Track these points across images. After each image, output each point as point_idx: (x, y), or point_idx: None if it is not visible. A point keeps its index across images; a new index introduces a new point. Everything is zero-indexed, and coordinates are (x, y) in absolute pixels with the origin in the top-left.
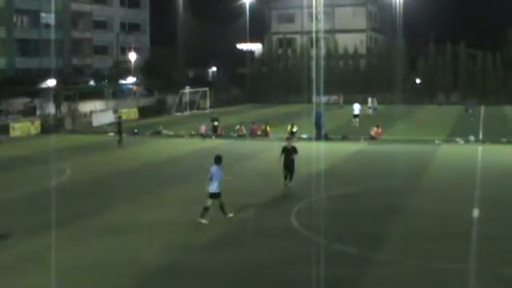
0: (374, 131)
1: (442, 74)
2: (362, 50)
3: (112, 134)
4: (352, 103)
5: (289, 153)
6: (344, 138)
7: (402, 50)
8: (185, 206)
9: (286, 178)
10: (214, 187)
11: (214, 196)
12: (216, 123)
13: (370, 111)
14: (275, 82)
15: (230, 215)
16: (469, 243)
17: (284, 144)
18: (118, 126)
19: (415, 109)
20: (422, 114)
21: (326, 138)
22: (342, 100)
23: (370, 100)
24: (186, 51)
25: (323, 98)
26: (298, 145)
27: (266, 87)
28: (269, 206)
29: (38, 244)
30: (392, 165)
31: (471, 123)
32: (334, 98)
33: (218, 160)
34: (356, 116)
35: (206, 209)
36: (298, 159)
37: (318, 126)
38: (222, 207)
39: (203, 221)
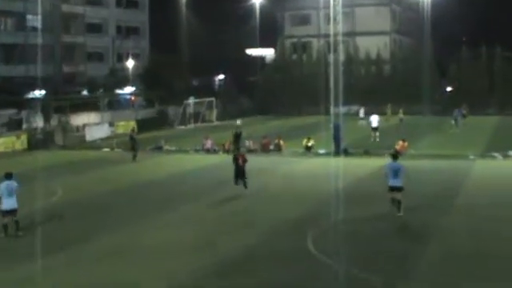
0: (399, 145)
1: (476, 81)
2: (386, 55)
3: (107, 149)
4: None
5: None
6: (366, 153)
7: (431, 54)
8: (190, 228)
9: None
10: (8, 204)
11: (8, 213)
12: (237, 139)
13: (372, 121)
14: (289, 91)
15: (20, 234)
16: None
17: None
18: (132, 142)
19: (446, 120)
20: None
21: (346, 152)
22: (401, 113)
23: (375, 116)
24: (190, 57)
25: (342, 109)
26: (314, 161)
27: (278, 97)
28: (283, 228)
29: (30, 269)
30: (420, 182)
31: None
32: (355, 108)
33: (8, 176)
34: (375, 129)
35: (5, 226)
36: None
37: (337, 139)
38: (17, 223)
39: (20, 233)
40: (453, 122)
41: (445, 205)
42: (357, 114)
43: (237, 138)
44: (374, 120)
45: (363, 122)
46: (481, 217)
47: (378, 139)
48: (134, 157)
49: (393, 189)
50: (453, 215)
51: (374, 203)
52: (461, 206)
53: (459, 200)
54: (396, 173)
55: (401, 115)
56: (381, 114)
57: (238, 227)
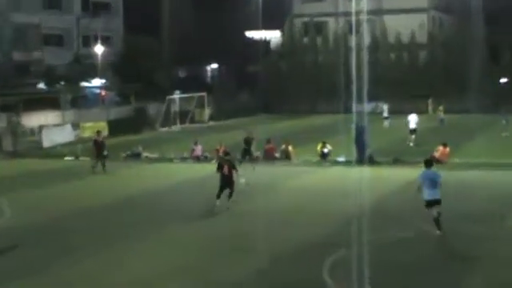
0: (439, 152)
1: None
2: (422, 38)
3: (70, 158)
4: (406, 113)
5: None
6: (396, 162)
7: (480, 37)
8: (174, 257)
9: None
10: None
11: None
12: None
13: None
14: (299, 84)
15: None
16: None
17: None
18: (97, 147)
19: (498, 119)
20: (509, 126)
21: (371, 161)
22: (441, 110)
23: (413, 116)
24: (176, 42)
25: (367, 106)
26: (331, 171)
27: (286, 91)
28: (292, 255)
29: None
30: (464, 198)
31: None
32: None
33: None
34: (413, 131)
35: None
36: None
37: (360, 145)
38: None
39: None
40: (504, 121)
41: (493, 227)
42: (382, 112)
43: (248, 144)
44: (412, 120)
45: (386, 123)
46: None
47: (411, 143)
48: (103, 166)
49: (431, 203)
50: (502, 241)
51: (405, 224)
52: None
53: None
54: (433, 183)
55: (441, 114)
56: (417, 112)
57: (236, 254)
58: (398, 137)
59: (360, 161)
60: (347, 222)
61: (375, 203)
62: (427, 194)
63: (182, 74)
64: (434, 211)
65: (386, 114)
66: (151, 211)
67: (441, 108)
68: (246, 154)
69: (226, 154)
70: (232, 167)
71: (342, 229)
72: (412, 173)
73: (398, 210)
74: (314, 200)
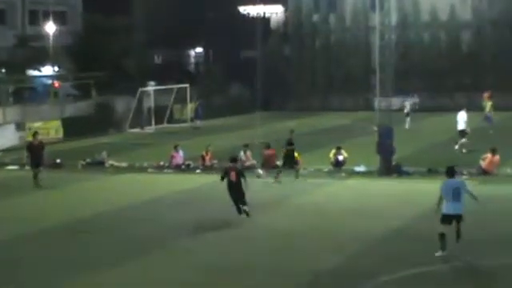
0: (487, 160)
1: None
2: (465, 15)
3: (14, 167)
4: (443, 110)
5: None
6: (431, 173)
7: None
8: None
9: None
10: None
11: None
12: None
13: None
14: (307, 74)
15: None
16: None
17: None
18: (32, 154)
19: None
20: None
21: (399, 171)
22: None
23: (462, 114)
24: (149, 20)
25: (395, 102)
26: (349, 183)
27: (290, 83)
28: None
29: None
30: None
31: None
32: (413, 100)
33: None
34: (463, 133)
35: None
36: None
37: (385, 151)
38: None
39: None
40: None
41: None
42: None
43: (291, 148)
44: (461, 119)
45: (407, 123)
46: None
47: (464, 150)
48: (35, 177)
49: (449, 218)
50: None
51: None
52: None
53: None
54: (457, 194)
55: (488, 110)
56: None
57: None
58: (433, 141)
59: (384, 171)
60: (370, 250)
61: (405, 226)
62: (447, 208)
63: (157, 60)
64: (455, 226)
65: (407, 110)
66: (110, 240)
67: (488, 104)
68: (290, 161)
69: (233, 159)
70: (240, 174)
71: (363, 258)
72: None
73: (433, 235)
74: (326, 221)
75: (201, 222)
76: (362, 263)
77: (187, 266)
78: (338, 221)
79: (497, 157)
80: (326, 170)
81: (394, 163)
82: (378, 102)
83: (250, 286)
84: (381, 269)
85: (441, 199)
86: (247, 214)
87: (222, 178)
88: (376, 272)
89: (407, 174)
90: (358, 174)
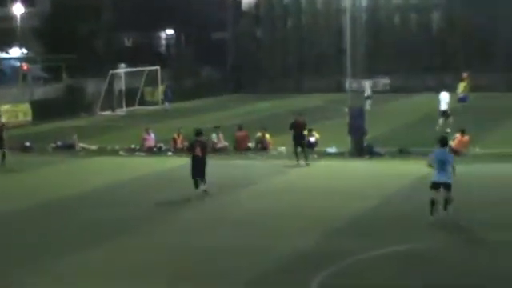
0: (456, 140)
1: None
2: None
3: None
4: (417, 90)
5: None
6: (402, 153)
7: None
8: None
9: None
10: None
11: None
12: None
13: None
14: (279, 56)
15: None
16: None
17: None
18: None
19: None
20: None
21: (370, 152)
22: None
23: (445, 94)
24: (120, 2)
25: (366, 84)
26: (321, 164)
27: (262, 65)
28: (270, 274)
29: None
30: (487, 201)
31: None
32: (384, 81)
33: None
34: (444, 114)
35: None
36: None
37: (356, 132)
38: None
39: None
40: None
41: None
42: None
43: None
44: (444, 100)
45: (368, 105)
46: None
47: (448, 129)
48: (3, 159)
49: (437, 185)
50: None
51: (414, 234)
52: None
53: None
54: (442, 165)
55: (461, 91)
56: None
57: (197, 276)
58: (405, 121)
59: (356, 152)
60: (339, 232)
61: (376, 207)
62: (435, 175)
63: (128, 42)
64: (444, 195)
65: (367, 93)
66: (74, 223)
67: (460, 85)
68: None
69: (199, 133)
70: (205, 149)
71: (332, 240)
72: (423, 167)
73: (404, 216)
74: (296, 203)
75: (171, 203)
76: (339, 242)
77: (151, 250)
78: (312, 201)
79: (466, 137)
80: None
81: (365, 144)
82: (349, 84)
83: (222, 267)
84: (357, 247)
85: (430, 164)
86: (206, 193)
87: (189, 151)
88: (352, 250)
89: (379, 155)
90: (330, 155)
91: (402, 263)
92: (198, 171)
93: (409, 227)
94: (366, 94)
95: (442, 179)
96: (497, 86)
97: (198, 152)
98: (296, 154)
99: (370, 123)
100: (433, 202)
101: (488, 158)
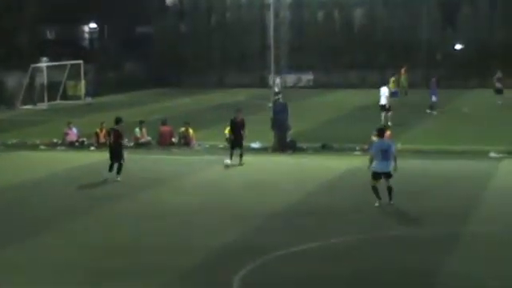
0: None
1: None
2: None
3: None
4: (340, 86)
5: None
6: (325, 149)
7: None
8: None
9: None
10: None
11: None
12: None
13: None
14: (203, 51)
15: None
16: None
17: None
18: None
19: (457, 94)
20: (468, 103)
21: (293, 148)
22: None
23: (384, 89)
24: None
25: (289, 79)
26: (245, 159)
27: (186, 59)
28: (189, 270)
29: None
30: (409, 197)
31: None
32: (307, 77)
33: None
34: (384, 108)
35: None
36: None
37: (279, 127)
38: None
39: None
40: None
41: (449, 235)
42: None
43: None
44: (383, 94)
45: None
46: (505, 256)
47: (390, 123)
48: None
49: (379, 175)
50: (460, 251)
51: (336, 229)
52: (475, 235)
53: (472, 225)
54: (386, 154)
55: (391, 86)
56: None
57: (119, 274)
58: (328, 117)
59: (279, 147)
60: (260, 227)
61: (297, 203)
62: (376, 166)
63: (50, 35)
64: (385, 183)
65: (277, 89)
66: None
67: (393, 79)
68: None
69: (117, 121)
70: (119, 136)
71: (253, 236)
72: (345, 163)
73: (326, 211)
74: (217, 198)
75: (93, 199)
76: (259, 238)
77: (74, 246)
78: (235, 197)
79: (388, 132)
80: (221, 146)
81: (288, 139)
82: (273, 79)
83: (145, 265)
84: (277, 244)
85: (371, 159)
86: (119, 171)
87: (107, 138)
88: (272, 247)
89: (302, 150)
90: (254, 150)
91: (323, 258)
92: (113, 157)
93: (329, 222)
94: (276, 90)
95: (384, 169)
96: (417, 83)
97: (112, 139)
98: (231, 154)
99: (294, 119)
100: (375, 188)
101: (413, 154)
